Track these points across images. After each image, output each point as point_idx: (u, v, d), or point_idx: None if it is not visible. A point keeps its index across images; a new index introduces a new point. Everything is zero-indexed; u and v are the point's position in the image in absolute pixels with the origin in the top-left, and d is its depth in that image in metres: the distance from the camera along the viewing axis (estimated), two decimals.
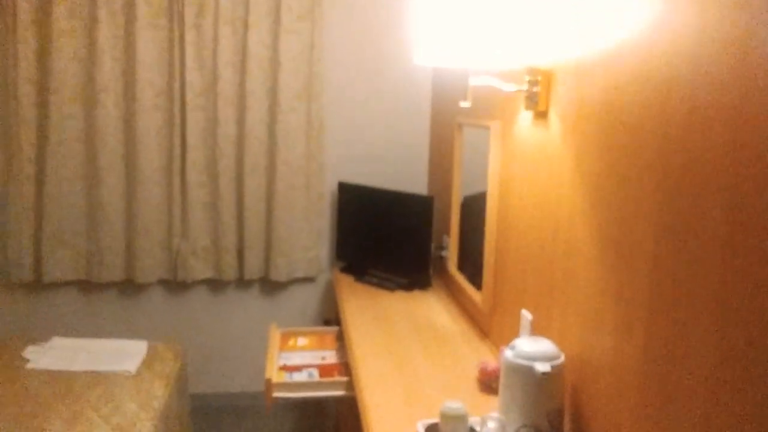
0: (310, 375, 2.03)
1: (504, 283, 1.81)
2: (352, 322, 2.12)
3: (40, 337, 2.53)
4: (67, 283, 3.04)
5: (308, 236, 3.05)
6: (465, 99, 1.60)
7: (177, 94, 2.85)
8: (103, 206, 2.89)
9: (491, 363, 1.64)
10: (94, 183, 2.89)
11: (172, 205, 2.94)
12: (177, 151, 2.90)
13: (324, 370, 2.07)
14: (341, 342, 2.29)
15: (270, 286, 3.15)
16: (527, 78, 1.56)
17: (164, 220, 2.96)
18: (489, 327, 1.97)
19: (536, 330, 1.54)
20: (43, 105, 2.81)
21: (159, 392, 2.14)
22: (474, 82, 1.58)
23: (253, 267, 3.01)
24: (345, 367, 2.07)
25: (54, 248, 2.91)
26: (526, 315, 1.58)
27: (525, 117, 1.65)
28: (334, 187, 3.11)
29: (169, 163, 2.93)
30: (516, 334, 1.67)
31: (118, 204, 2.92)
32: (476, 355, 1.85)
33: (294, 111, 2.92)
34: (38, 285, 3.00)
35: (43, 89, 2.80)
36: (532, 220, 1.59)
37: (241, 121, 2.92)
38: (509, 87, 1.60)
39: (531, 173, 1.61)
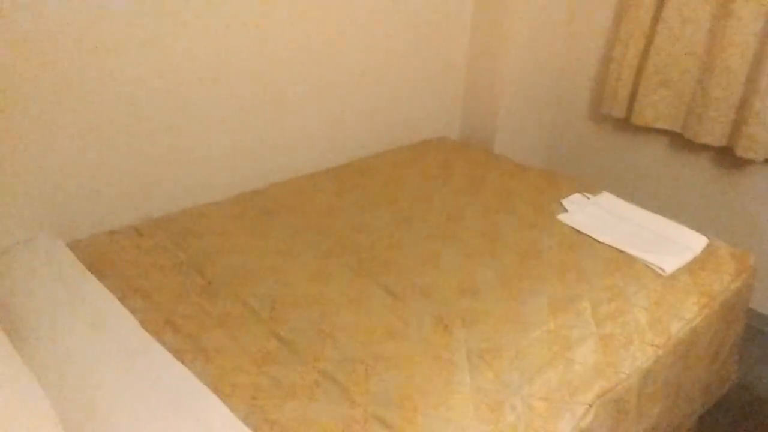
0: None
1: None
2: None
3: (599, 185, 2.17)
4: (658, 132, 2.53)
5: None
6: None
7: None
8: (725, 48, 2.15)
9: None
10: (722, 12, 2.16)
11: None
12: None
13: None
14: None
15: None
16: None
17: None
18: None
19: None
20: None
21: (689, 314, 1.53)
22: None
23: None
24: None
25: (654, 87, 2.40)
26: None
27: None
28: None
29: None
30: None
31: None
32: None
33: None
34: (627, 125, 2.61)
35: None
36: None
37: None
38: None
39: None
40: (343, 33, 2.11)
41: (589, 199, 1.99)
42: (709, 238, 1.78)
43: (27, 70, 1.47)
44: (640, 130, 2.57)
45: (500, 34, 2.49)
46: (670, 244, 1.75)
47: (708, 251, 1.73)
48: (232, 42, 1.82)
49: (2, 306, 1.30)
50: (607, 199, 1.99)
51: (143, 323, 1.30)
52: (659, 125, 2.43)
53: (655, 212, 1.91)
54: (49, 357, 1.18)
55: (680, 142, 2.45)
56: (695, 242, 1.76)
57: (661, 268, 1.65)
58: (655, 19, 2.33)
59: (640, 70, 2.44)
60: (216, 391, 1.15)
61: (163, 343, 1.26)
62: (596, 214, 1.90)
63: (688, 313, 1.52)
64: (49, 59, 1.50)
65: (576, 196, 2.00)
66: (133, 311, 1.32)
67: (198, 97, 1.80)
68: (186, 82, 1.76)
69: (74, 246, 1.54)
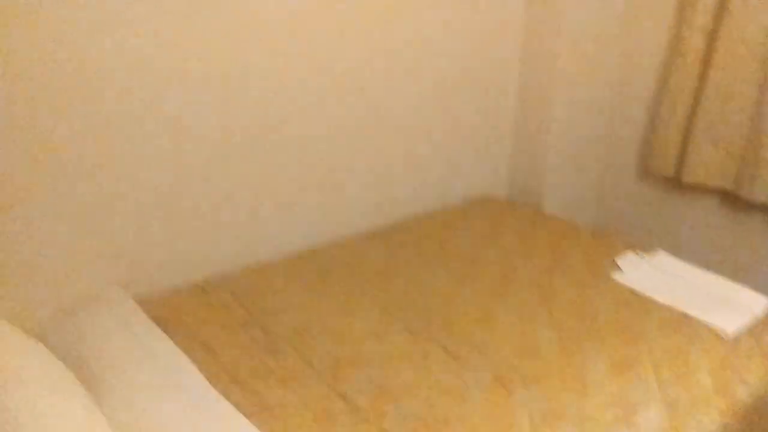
0: None
1: None
2: None
3: (651, 244, 2.17)
4: (709, 191, 2.52)
5: None
6: None
7: None
8: None
9: None
10: None
11: None
12: None
13: None
14: None
15: None
16: None
17: None
18: None
19: None
20: None
21: (753, 377, 1.49)
22: None
23: None
24: None
25: (703, 144, 2.40)
26: None
27: None
28: None
29: None
30: None
31: None
32: None
33: None
34: (677, 183, 2.60)
35: None
36: None
37: None
38: None
39: None
40: (388, 91, 2.17)
41: (643, 258, 1.98)
42: None
43: (95, 129, 1.58)
44: (690, 188, 2.56)
45: (547, 91, 2.55)
46: (729, 305, 1.72)
47: None
48: (283, 107, 1.91)
49: (79, 359, 1.36)
50: (662, 258, 1.98)
51: (209, 379, 1.34)
52: (710, 183, 2.42)
53: (709, 272, 1.89)
54: (123, 412, 1.22)
55: (732, 200, 2.43)
56: (755, 303, 1.73)
57: (722, 329, 1.62)
58: (703, 76, 2.36)
59: (688, 128, 2.45)
60: None
61: (229, 399, 1.29)
62: (652, 274, 1.89)
63: (753, 378, 1.49)
64: (110, 123, 1.61)
65: (630, 255, 1.99)
66: (199, 368, 1.37)
67: (253, 162, 1.89)
68: (243, 147, 1.85)
69: (141, 302, 1.61)
